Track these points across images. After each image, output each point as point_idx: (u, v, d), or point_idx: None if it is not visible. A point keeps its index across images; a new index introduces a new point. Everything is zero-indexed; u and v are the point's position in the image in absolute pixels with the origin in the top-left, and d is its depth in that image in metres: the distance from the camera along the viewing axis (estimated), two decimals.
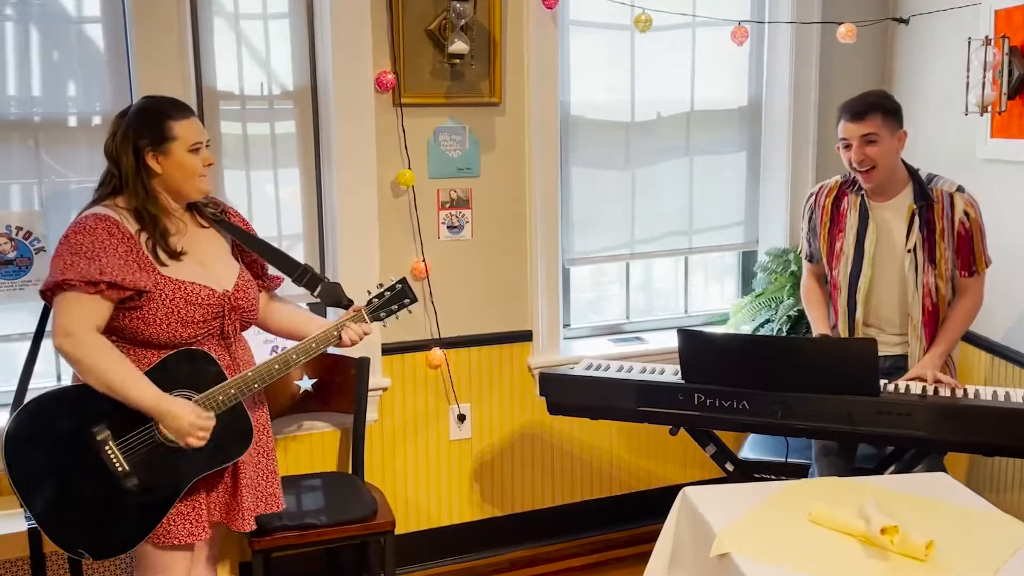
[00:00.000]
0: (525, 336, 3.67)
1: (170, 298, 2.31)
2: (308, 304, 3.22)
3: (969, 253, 2.87)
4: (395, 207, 3.42)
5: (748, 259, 4.15)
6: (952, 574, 1.90)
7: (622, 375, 2.93)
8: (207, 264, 2.43)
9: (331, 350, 3.42)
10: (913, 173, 2.91)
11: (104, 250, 2.25)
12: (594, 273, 4.05)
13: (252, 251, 2.55)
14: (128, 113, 2.38)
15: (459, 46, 3.28)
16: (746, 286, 4.12)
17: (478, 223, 3.54)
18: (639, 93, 3.81)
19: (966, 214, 2.85)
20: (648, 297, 4.15)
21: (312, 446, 3.44)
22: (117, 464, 2.28)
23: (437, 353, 3.51)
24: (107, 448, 2.28)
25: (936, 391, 2.68)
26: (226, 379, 2.37)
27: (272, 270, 2.62)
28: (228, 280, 2.45)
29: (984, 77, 3.08)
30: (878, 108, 2.81)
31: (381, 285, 2.59)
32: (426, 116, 3.40)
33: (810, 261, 3.11)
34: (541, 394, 3.01)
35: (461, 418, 3.62)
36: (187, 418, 2.28)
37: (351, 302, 2.57)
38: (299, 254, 3.47)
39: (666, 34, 3.77)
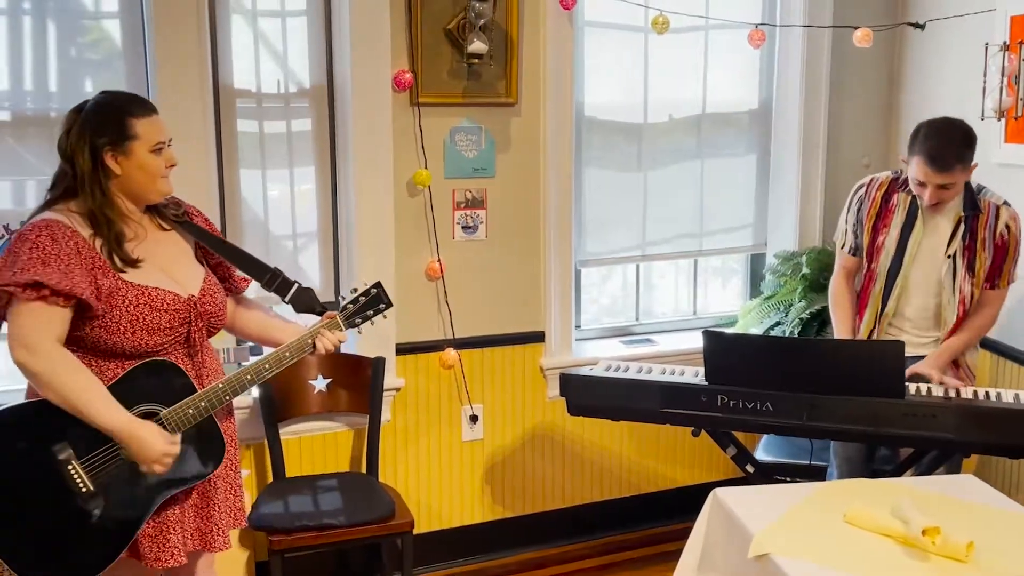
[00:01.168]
0: (538, 337, 3.66)
1: (133, 304, 2.16)
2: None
3: (999, 266, 2.89)
4: (411, 207, 3.41)
5: (756, 262, 4.17)
6: (994, 574, 1.91)
7: (644, 376, 2.93)
8: (169, 268, 2.28)
9: (347, 348, 3.45)
10: (966, 183, 2.92)
11: (57, 258, 2.09)
12: (604, 275, 4.05)
13: (217, 254, 2.40)
14: (85, 108, 2.20)
15: (478, 46, 3.27)
16: (754, 289, 4.14)
17: (492, 224, 3.54)
18: (651, 95, 3.82)
19: (1007, 227, 2.87)
20: (657, 299, 4.16)
21: (326, 446, 3.42)
22: (81, 484, 2.12)
23: (451, 353, 3.49)
24: (70, 467, 2.12)
25: (959, 393, 2.70)
26: (195, 391, 2.23)
27: (239, 273, 2.49)
28: (193, 284, 2.30)
29: (1001, 83, 3.10)
30: (958, 159, 2.73)
31: (355, 290, 2.47)
32: (443, 116, 3.39)
33: (852, 254, 3.08)
34: (561, 395, 3.01)
35: (473, 419, 3.61)
36: (157, 446, 2.13)
37: (324, 308, 2.43)
38: (314, 253, 3.46)
39: (678, 36, 3.78)
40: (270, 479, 3.27)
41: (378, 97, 3.29)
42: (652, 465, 3.89)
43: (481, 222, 3.53)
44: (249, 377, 2.30)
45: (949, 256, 2.86)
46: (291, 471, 3.30)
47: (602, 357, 3.39)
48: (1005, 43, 3.11)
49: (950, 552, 1.96)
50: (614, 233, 3.88)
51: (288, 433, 3.32)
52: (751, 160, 4.07)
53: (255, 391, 3.27)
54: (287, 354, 2.36)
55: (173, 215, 2.36)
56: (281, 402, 3.26)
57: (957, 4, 3.54)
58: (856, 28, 3.49)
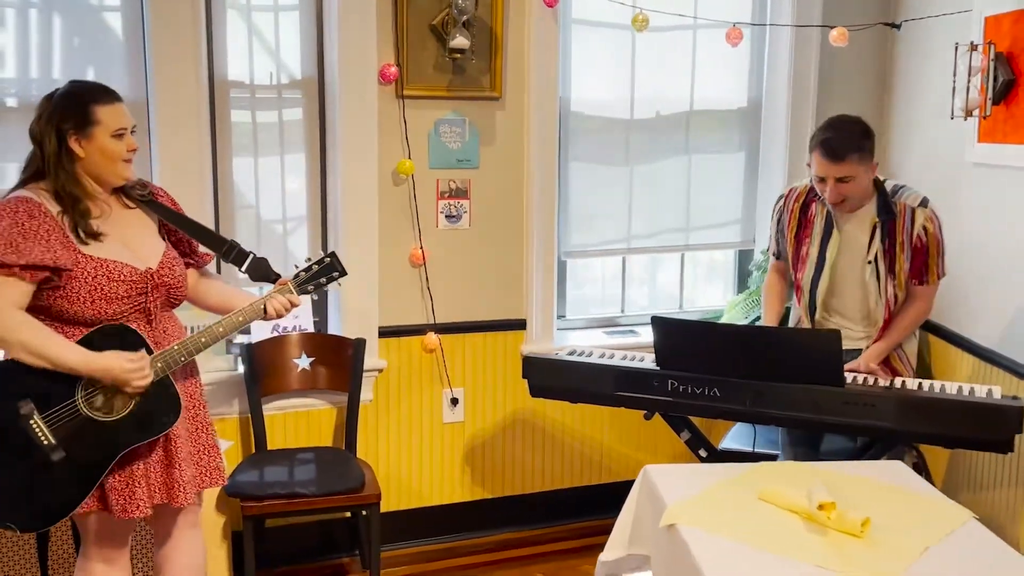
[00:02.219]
0: (519, 325, 3.78)
1: (92, 275, 2.34)
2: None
3: (923, 264, 2.95)
4: (395, 195, 3.56)
5: (745, 258, 4.23)
6: (884, 549, 1.98)
7: (602, 361, 3.04)
8: (130, 243, 2.45)
9: (331, 330, 3.60)
10: (879, 186, 2.97)
11: (23, 232, 2.27)
12: (594, 267, 4.15)
13: (179, 229, 2.57)
14: (54, 96, 2.39)
15: (460, 41, 3.40)
16: (742, 284, 4.20)
17: (476, 213, 3.66)
18: (639, 92, 3.91)
19: (924, 228, 2.92)
20: (646, 293, 4.24)
21: (309, 422, 3.58)
22: (43, 437, 2.31)
23: (432, 338, 3.63)
24: (32, 422, 2.31)
25: (904, 384, 2.75)
26: (151, 353, 2.40)
27: (203, 249, 2.67)
28: (152, 258, 2.47)
29: (969, 82, 3.14)
30: (854, 150, 2.81)
31: (309, 259, 2.64)
32: (428, 108, 3.53)
33: (777, 258, 3.20)
34: (523, 376, 3.13)
35: (454, 402, 3.74)
36: (119, 363, 2.32)
37: (278, 276, 2.60)
38: (303, 237, 3.62)
39: (667, 34, 3.87)
40: (253, 451, 3.44)
41: (365, 89, 3.44)
42: (629, 453, 3.98)
43: (465, 211, 3.66)
44: (204, 339, 2.48)
45: (870, 261, 2.92)
46: (273, 444, 3.47)
47: (582, 346, 3.49)
48: (974, 43, 3.13)
49: (846, 527, 2.04)
50: (601, 226, 3.98)
51: (272, 408, 3.49)
52: (740, 157, 4.13)
53: (240, 367, 3.44)
54: (239, 318, 2.54)
55: (139, 195, 2.54)
56: (265, 378, 3.43)
57: (938, 4, 3.57)
58: (832, 27, 3.54)
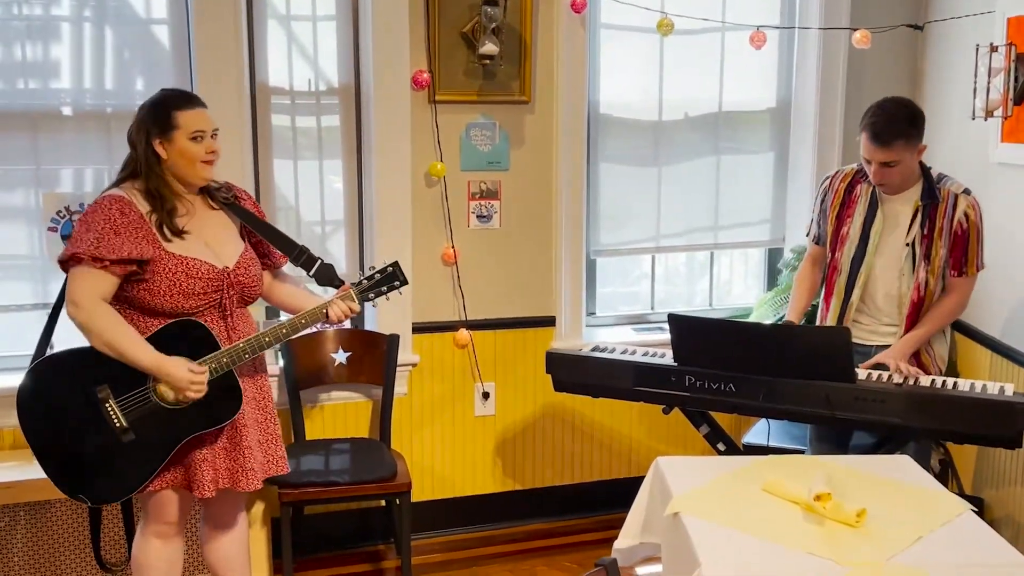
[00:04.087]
0: (549, 322, 3.90)
1: (172, 271, 2.54)
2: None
3: (962, 254, 2.96)
4: (428, 197, 3.69)
5: (775, 256, 4.29)
6: (876, 538, 2.06)
7: (622, 357, 3.13)
8: (212, 243, 2.65)
9: (367, 326, 3.76)
10: (925, 171, 3.00)
11: (115, 228, 2.50)
12: (625, 266, 4.24)
13: (256, 232, 2.77)
14: (146, 103, 2.64)
15: (489, 47, 3.52)
16: (772, 282, 4.26)
17: (506, 214, 3.79)
18: (667, 94, 4.00)
19: (966, 215, 2.93)
20: (678, 291, 4.32)
21: (347, 414, 3.74)
22: (116, 420, 2.53)
23: (463, 333, 3.76)
24: (107, 405, 2.53)
25: (916, 381, 2.80)
26: (220, 349, 2.58)
27: (278, 252, 2.83)
28: (231, 258, 2.66)
29: (990, 83, 3.17)
30: (902, 135, 2.83)
31: (373, 267, 2.78)
32: (459, 113, 3.66)
33: (816, 243, 3.22)
34: (547, 371, 3.24)
35: (485, 396, 3.86)
36: (182, 374, 2.52)
37: (342, 282, 2.75)
38: (340, 239, 3.78)
39: (695, 38, 3.94)
40: (292, 441, 3.60)
41: (398, 95, 3.58)
42: (659, 447, 4.06)
43: (495, 212, 3.78)
44: (268, 339, 2.66)
45: (908, 244, 2.95)
46: (311, 435, 3.64)
47: (606, 342, 3.59)
48: (994, 44, 3.16)
49: (841, 518, 2.11)
50: (630, 226, 4.07)
51: (310, 401, 3.66)
52: (769, 157, 4.19)
53: (280, 361, 3.61)
54: (302, 320, 2.71)
55: (223, 197, 2.75)
56: (304, 372, 3.59)
57: (962, 5, 3.59)
58: (855, 30, 3.59)
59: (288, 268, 2.93)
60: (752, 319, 4.09)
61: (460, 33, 3.60)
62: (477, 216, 3.76)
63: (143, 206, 2.57)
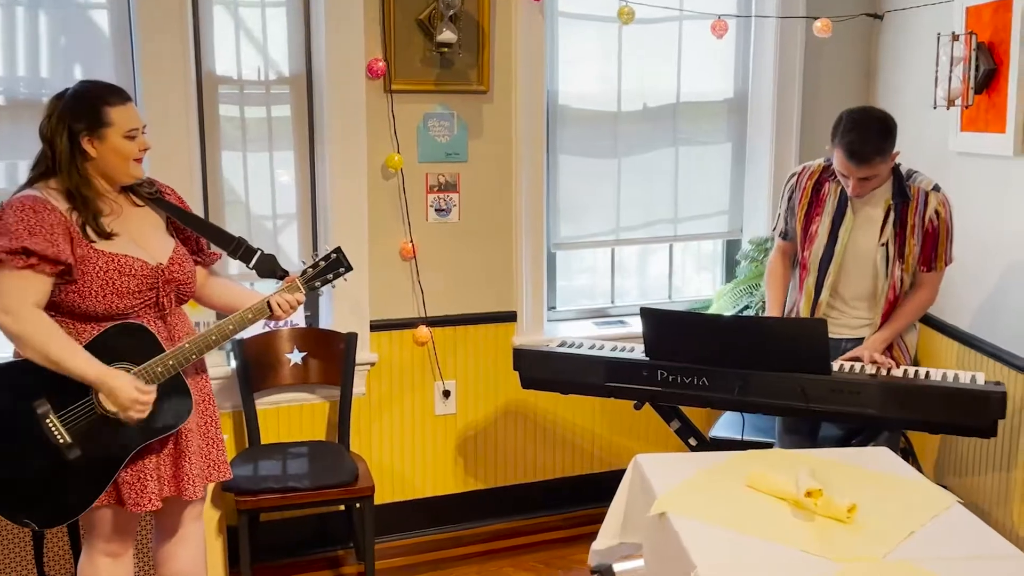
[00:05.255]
0: (510, 317, 3.81)
1: (104, 270, 2.36)
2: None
3: (932, 250, 2.96)
4: (385, 189, 3.57)
5: (733, 247, 4.26)
6: (869, 534, 2.02)
7: (592, 352, 3.07)
8: (140, 240, 2.47)
9: (322, 324, 3.63)
10: (894, 169, 2.98)
11: (29, 229, 2.28)
12: (584, 259, 4.18)
13: (187, 226, 2.59)
14: (65, 96, 2.40)
15: (447, 35, 3.42)
16: (730, 274, 4.24)
17: (465, 207, 3.68)
18: (626, 84, 3.94)
19: (936, 213, 2.93)
20: (635, 283, 4.28)
21: (303, 416, 3.60)
22: (58, 436, 2.34)
23: (423, 330, 3.66)
24: (48, 421, 2.33)
25: (889, 372, 2.79)
26: (163, 351, 2.42)
27: (211, 247, 2.68)
28: (162, 254, 2.49)
29: (951, 72, 3.17)
30: (879, 152, 2.78)
31: (315, 255, 2.63)
32: (416, 102, 3.55)
33: (783, 238, 3.19)
34: (515, 368, 3.15)
35: (446, 394, 3.76)
36: (127, 393, 2.33)
37: (286, 273, 2.61)
38: (292, 234, 3.64)
39: (653, 27, 3.89)
40: (247, 445, 3.45)
41: (353, 84, 3.46)
42: (620, 442, 4.02)
43: (454, 205, 3.68)
44: (214, 337, 2.49)
45: (882, 244, 2.94)
46: (267, 438, 3.49)
47: (572, 337, 3.52)
48: (955, 33, 3.17)
49: (832, 513, 2.07)
50: (590, 218, 4.01)
51: (264, 403, 3.51)
52: (727, 148, 4.16)
53: (233, 362, 3.46)
54: (249, 315, 2.55)
55: (147, 193, 2.57)
56: (257, 373, 3.45)
57: None
58: (816, 19, 3.57)
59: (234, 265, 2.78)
60: (712, 311, 4.06)
61: (416, 20, 3.48)
62: (435, 209, 3.66)
63: (62, 204, 2.37)
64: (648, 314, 2.87)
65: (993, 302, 3.37)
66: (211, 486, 3.17)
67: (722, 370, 2.79)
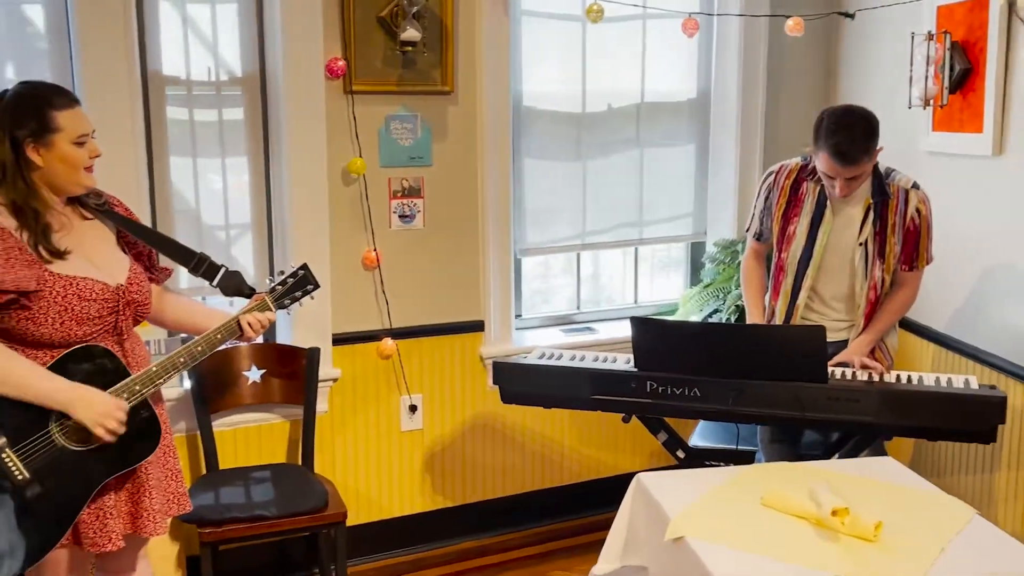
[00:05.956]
0: (477, 326, 3.66)
1: (61, 295, 2.16)
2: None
3: (914, 249, 2.93)
4: (346, 196, 3.39)
5: (697, 250, 4.19)
6: (900, 553, 1.94)
7: (576, 364, 2.94)
8: (95, 258, 2.27)
9: (281, 339, 3.43)
10: (874, 168, 2.94)
11: None
12: (544, 264, 4.06)
13: (142, 241, 2.39)
14: (3, 99, 2.18)
15: (411, 33, 3.25)
16: (695, 277, 4.17)
17: (430, 213, 3.52)
18: (590, 84, 3.83)
19: (918, 211, 2.90)
20: (598, 288, 4.17)
21: (261, 437, 3.39)
22: (16, 472, 2.12)
23: (388, 343, 3.48)
24: (3, 455, 2.11)
25: (882, 377, 2.74)
26: (128, 375, 2.25)
27: (163, 261, 2.49)
28: (120, 273, 2.30)
29: (927, 71, 3.15)
30: (866, 152, 2.74)
31: (282, 272, 2.51)
32: (377, 104, 3.37)
33: (757, 239, 3.12)
34: (494, 383, 3.01)
35: (412, 409, 3.60)
36: (104, 403, 2.16)
37: (253, 290, 2.45)
38: (248, 244, 3.42)
39: (616, 26, 3.79)
40: (204, 471, 3.23)
41: (311, 85, 3.26)
42: (591, 453, 3.91)
43: (418, 211, 3.51)
44: (183, 359, 2.31)
45: (861, 244, 2.89)
46: (225, 463, 3.27)
47: (541, 346, 3.39)
48: (930, 32, 3.14)
49: (859, 532, 1.99)
50: (555, 222, 3.88)
51: (222, 425, 3.29)
52: (690, 149, 4.09)
53: (187, 382, 3.23)
54: (218, 336, 2.37)
55: (95, 204, 2.35)
56: (213, 393, 3.23)
57: None
58: (786, 17, 3.51)
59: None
60: (678, 316, 3.99)
61: (377, 17, 3.31)
62: (399, 216, 3.49)
63: (9, 221, 2.16)
64: (640, 323, 2.76)
65: (967, 302, 3.36)
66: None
67: (716, 380, 2.70)
